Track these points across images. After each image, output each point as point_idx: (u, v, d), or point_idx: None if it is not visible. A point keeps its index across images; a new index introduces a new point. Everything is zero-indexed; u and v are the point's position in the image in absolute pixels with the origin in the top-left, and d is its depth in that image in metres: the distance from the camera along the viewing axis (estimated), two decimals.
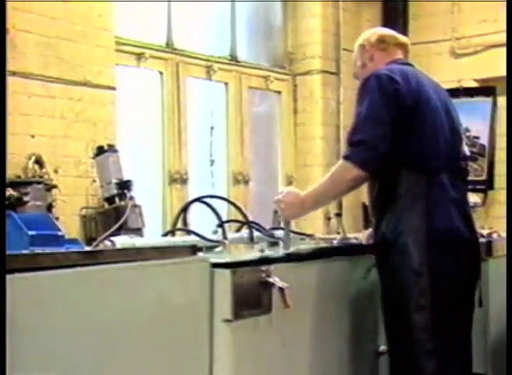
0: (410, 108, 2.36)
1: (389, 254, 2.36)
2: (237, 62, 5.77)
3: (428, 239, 2.31)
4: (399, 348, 2.37)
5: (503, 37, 5.12)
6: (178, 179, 5.20)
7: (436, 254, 2.30)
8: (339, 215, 5.84)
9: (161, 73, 5.20)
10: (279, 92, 6.17)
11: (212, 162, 5.49)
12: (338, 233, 3.00)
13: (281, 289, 2.03)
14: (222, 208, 3.50)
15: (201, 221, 2.93)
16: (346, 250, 2.57)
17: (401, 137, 2.34)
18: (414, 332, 2.30)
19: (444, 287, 2.32)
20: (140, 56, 4.98)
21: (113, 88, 4.64)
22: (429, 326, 2.29)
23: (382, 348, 2.56)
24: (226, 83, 5.70)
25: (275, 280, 2.04)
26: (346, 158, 2.35)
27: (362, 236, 2.73)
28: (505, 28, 4.84)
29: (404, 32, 6.23)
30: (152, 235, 4.22)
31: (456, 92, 5.94)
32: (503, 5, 5.08)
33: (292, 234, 2.83)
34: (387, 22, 6.30)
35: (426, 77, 2.56)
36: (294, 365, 2.23)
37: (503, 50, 5.29)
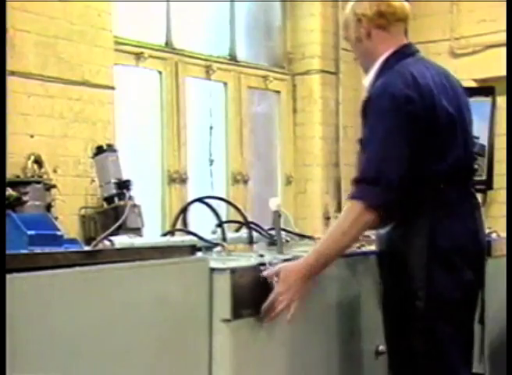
0: (425, 128, 2.12)
1: (392, 265, 2.26)
2: (236, 61, 5.77)
3: (430, 257, 2.15)
4: (396, 352, 2.29)
5: (501, 37, 5.13)
6: (177, 179, 5.20)
7: (437, 274, 2.15)
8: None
9: (160, 72, 5.19)
10: (278, 92, 6.17)
11: (211, 161, 5.49)
12: None
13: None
14: (222, 208, 3.50)
15: (201, 221, 2.93)
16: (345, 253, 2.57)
17: (412, 155, 2.12)
18: (412, 342, 2.19)
19: (441, 312, 2.16)
20: (139, 56, 4.98)
21: (112, 88, 4.64)
22: (423, 348, 2.16)
23: (381, 347, 2.56)
24: (225, 83, 5.70)
25: (273, 280, 2.04)
26: (355, 198, 2.07)
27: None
28: (504, 28, 4.85)
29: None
30: (151, 235, 4.22)
31: None
32: (502, 5, 5.09)
33: (291, 235, 2.84)
34: None
35: (434, 72, 2.28)
36: (293, 364, 2.23)
37: (502, 50, 5.29)
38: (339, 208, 6.14)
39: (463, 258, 2.18)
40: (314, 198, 6.09)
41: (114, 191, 4.22)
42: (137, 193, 4.29)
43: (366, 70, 2.38)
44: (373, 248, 2.68)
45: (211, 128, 5.52)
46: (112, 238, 2.22)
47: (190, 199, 3.47)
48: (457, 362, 2.19)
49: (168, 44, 5.24)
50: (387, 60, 2.28)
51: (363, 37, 2.31)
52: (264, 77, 5.98)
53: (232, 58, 5.76)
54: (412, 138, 2.10)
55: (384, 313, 2.32)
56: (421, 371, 2.18)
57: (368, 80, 2.33)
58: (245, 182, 5.76)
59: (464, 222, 2.21)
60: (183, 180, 5.23)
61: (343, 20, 2.47)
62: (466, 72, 6.03)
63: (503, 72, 5.01)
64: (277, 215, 2.52)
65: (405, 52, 2.33)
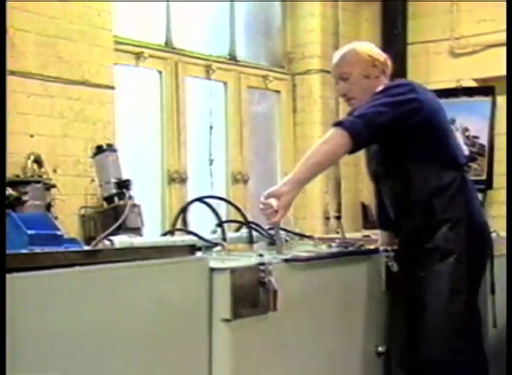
0: (434, 112, 2.56)
1: (431, 240, 2.50)
2: (236, 61, 5.77)
3: (467, 230, 2.50)
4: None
5: (501, 37, 5.13)
6: (177, 178, 5.20)
7: (473, 243, 2.52)
8: (338, 218, 5.86)
9: (160, 72, 5.19)
10: (278, 92, 6.17)
11: (211, 161, 5.49)
12: (337, 232, 3.01)
13: (274, 291, 2.03)
14: (222, 207, 3.50)
15: (201, 221, 2.93)
16: (345, 252, 2.57)
17: (432, 138, 2.53)
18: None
19: (477, 275, 2.56)
20: (139, 55, 4.98)
21: (112, 88, 4.64)
22: (463, 309, 2.46)
23: (381, 348, 2.56)
24: (225, 83, 5.69)
25: (272, 280, 2.04)
26: (338, 123, 2.45)
27: (381, 239, 2.83)
28: (504, 27, 4.84)
29: (403, 31, 6.25)
30: (151, 235, 4.22)
31: (455, 92, 5.95)
32: (502, 5, 5.08)
33: (291, 235, 2.84)
34: (386, 21, 6.31)
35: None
36: (293, 365, 2.23)
37: (502, 49, 5.29)
38: (339, 208, 6.14)
39: (487, 231, 2.64)
40: (313, 197, 6.08)
41: (114, 191, 4.22)
42: (137, 193, 4.29)
43: (361, 103, 2.63)
44: (372, 247, 2.69)
45: (210, 128, 5.51)
46: (111, 238, 2.22)
47: (189, 199, 3.47)
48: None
49: (168, 43, 5.24)
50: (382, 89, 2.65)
51: (372, 76, 2.67)
52: (264, 77, 5.97)
53: (232, 58, 5.76)
54: (407, 120, 2.49)
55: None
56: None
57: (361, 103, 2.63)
58: (245, 182, 5.76)
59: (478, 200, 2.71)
60: (183, 180, 5.23)
61: (335, 59, 2.76)
62: (466, 72, 6.03)
63: (503, 71, 5.00)
64: None
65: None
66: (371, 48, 2.76)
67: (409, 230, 2.61)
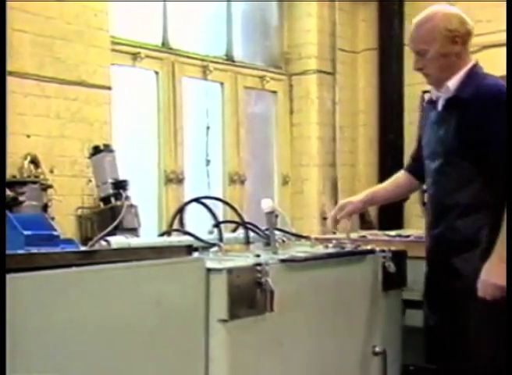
0: None
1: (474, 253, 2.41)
2: (233, 61, 5.77)
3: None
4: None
5: (497, 38, 5.13)
6: (174, 179, 5.20)
7: None
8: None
9: (156, 72, 5.19)
10: (274, 92, 6.17)
11: (208, 162, 5.49)
12: (334, 233, 3.01)
13: (271, 292, 2.04)
14: (218, 208, 3.50)
15: (197, 221, 2.93)
16: (341, 253, 2.57)
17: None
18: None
19: None
20: (135, 56, 4.97)
21: (109, 88, 4.64)
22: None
23: (378, 348, 2.56)
24: (222, 83, 5.69)
25: (269, 281, 2.04)
26: None
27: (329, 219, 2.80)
28: (500, 28, 4.84)
29: (400, 32, 6.25)
30: (148, 235, 4.22)
31: None
32: (498, 6, 5.08)
33: (288, 236, 2.84)
34: (383, 22, 6.31)
35: None
36: (290, 365, 2.23)
37: (498, 50, 5.29)
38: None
39: None
40: (310, 198, 6.09)
41: (111, 191, 4.21)
42: (134, 193, 4.28)
43: (437, 81, 2.56)
44: (369, 247, 2.69)
45: (207, 128, 5.51)
46: (108, 238, 2.22)
47: (186, 199, 3.47)
48: None
49: (164, 44, 5.24)
50: (471, 69, 2.56)
51: (451, 54, 2.52)
52: (261, 77, 5.98)
53: (229, 59, 5.75)
54: None
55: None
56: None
57: (453, 83, 2.55)
58: (242, 182, 5.76)
59: None
60: (180, 180, 5.23)
61: (412, 31, 2.59)
62: None
63: (500, 72, 5.00)
64: (270, 215, 2.53)
65: (480, 67, 2.64)
66: (451, 18, 2.53)
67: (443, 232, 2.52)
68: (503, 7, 3.01)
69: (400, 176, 2.90)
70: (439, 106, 2.62)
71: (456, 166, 2.50)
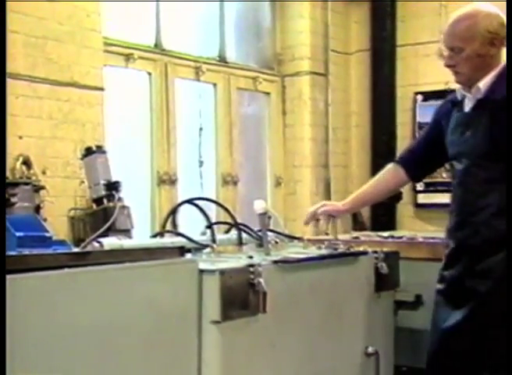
0: None
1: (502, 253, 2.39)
2: (226, 63, 5.77)
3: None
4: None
5: None
6: (167, 180, 5.19)
7: None
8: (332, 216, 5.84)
9: (149, 73, 5.18)
10: (267, 93, 6.18)
11: (201, 163, 5.49)
12: (326, 234, 3.01)
13: (264, 293, 2.04)
14: (211, 209, 3.49)
15: (190, 222, 2.93)
16: (334, 254, 2.58)
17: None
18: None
19: None
20: (128, 57, 4.97)
21: (101, 89, 4.63)
22: None
23: (371, 349, 2.57)
24: (215, 84, 5.69)
25: (262, 282, 2.04)
26: None
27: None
28: None
29: (392, 33, 6.27)
30: (141, 236, 4.21)
31: (444, 94, 5.97)
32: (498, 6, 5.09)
33: (281, 237, 2.85)
34: (375, 23, 6.33)
35: None
36: (283, 366, 2.23)
37: None
38: None
39: None
40: (303, 199, 6.09)
41: (103, 193, 4.21)
42: (127, 194, 4.27)
43: (467, 81, 2.51)
44: (362, 248, 2.69)
45: (200, 129, 5.51)
46: (101, 240, 2.21)
47: (179, 200, 3.47)
48: None
49: (157, 45, 5.24)
50: (503, 70, 2.49)
51: (487, 55, 2.45)
52: (254, 79, 5.98)
53: (222, 60, 5.76)
54: None
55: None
56: None
57: (484, 84, 2.49)
58: (234, 183, 5.76)
59: None
60: (173, 182, 5.23)
61: (449, 26, 2.50)
62: None
63: None
64: (263, 217, 2.53)
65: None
66: (493, 19, 2.44)
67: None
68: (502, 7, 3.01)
69: (389, 171, 2.81)
70: (466, 107, 2.55)
71: (484, 168, 2.47)
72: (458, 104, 2.59)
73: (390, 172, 2.82)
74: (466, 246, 2.49)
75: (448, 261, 2.55)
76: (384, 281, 2.67)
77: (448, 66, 2.52)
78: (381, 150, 6.18)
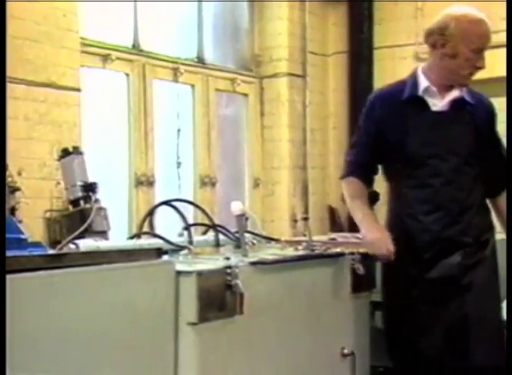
0: None
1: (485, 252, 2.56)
2: (204, 64, 5.76)
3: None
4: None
5: (497, 39, 5.17)
6: (144, 181, 5.17)
7: None
8: (306, 219, 5.88)
9: (127, 74, 5.16)
10: (245, 95, 6.19)
11: (179, 164, 5.48)
12: (304, 235, 3.02)
13: (241, 294, 2.04)
14: (189, 210, 3.49)
15: (167, 224, 2.92)
16: (311, 255, 2.59)
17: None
18: None
19: None
20: (105, 57, 4.94)
21: (78, 90, 4.60)
22: None
23: (347, 350, 2.58)
24: (193, 86, 5.69)
25: (239, 283, 2.04)
26: None
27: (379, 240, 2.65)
28: (499, 28, 4.87)
29: (369, 36, 6.31)
30: (117, 238, 4.19)
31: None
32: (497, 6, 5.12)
33: (259, 238, 2.85)
34: (352, 26, 6.37)
35: None
36: (260, 367, 2.23)
37: (498, 51, 5.33)
38: (306, 211, 6.17)
39: None
40: (281, 200, 6.11)
41: (80, 194, 4.18)
42: (104, 196, 4.25)
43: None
44: (339, 250, 2.71)
45: (178, 131, 5.50)
46: (77, 241, 2.20)
47: (157, 202, 3.46)
48: None
49: (135, 46, 5.22)
50: None
51: (445, 55, 2.78)
52: (232, 80, 5.98)
53: (200, 61, 5.75)
54: None
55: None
56: None
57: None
58: (213, 185, 5.76)
59: None
60: (150, 183, 5.21)
61: (488, 28, 2.71)
62: None
63: (500, 73, 5.05)
64: (240, 218, 2.53)
65: None
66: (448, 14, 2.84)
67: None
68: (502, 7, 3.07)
69: (360, 185, 2.80)
70: (434, 107, 2.63)
71: (472, 165, 2.59)
72: (414, 103, 2.67)
73: (359, 184, 2.80)
74: (459, 244, 2.56)
75: (428, 263, 2.60)
76: (360, 282, 2.69)
77: (482, 68, 2.63)
78: None
